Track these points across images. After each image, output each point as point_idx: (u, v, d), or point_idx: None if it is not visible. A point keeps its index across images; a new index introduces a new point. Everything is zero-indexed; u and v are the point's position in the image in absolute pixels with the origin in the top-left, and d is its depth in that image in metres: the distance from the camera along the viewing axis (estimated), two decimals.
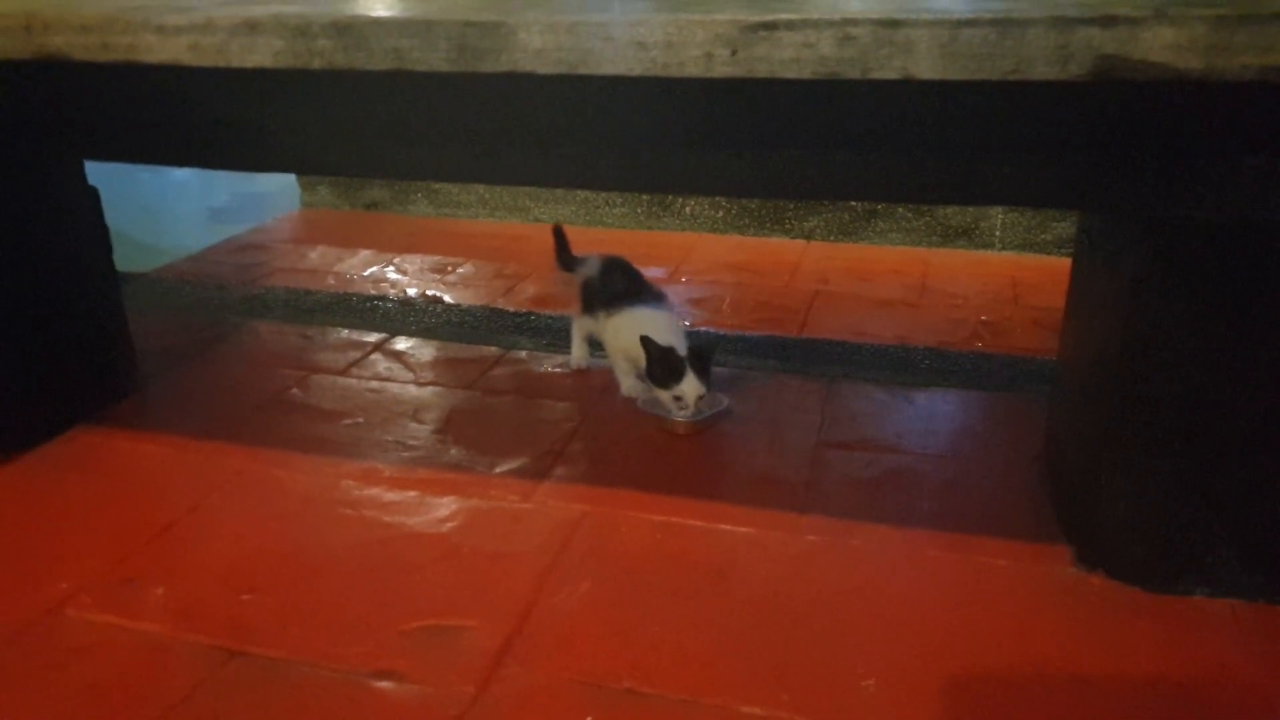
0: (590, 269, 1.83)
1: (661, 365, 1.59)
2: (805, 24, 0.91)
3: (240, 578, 1.25)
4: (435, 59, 1.01)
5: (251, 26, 1.04)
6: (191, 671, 1.09)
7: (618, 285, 1.77)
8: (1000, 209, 2.72)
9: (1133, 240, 1.12)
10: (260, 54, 1.05)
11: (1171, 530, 1.20)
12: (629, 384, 1.75)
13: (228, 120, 1.34)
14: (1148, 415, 1.17)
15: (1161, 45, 0.85)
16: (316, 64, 1.04)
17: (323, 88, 1.25)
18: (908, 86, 0.92)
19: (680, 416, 1.63)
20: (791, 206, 2.83)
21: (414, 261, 2.62)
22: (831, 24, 0.90)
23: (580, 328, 1.89)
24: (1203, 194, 1.03)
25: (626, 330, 1.67)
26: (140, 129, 1.41)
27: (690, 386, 1.59)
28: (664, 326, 1.64)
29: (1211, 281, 1.08)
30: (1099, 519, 1.26)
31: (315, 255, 2.68)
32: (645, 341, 1.58)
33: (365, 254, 2.69)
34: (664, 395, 1.62)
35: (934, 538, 1.34)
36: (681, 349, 1.60)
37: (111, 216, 1.69)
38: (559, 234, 1.92)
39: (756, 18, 0.92)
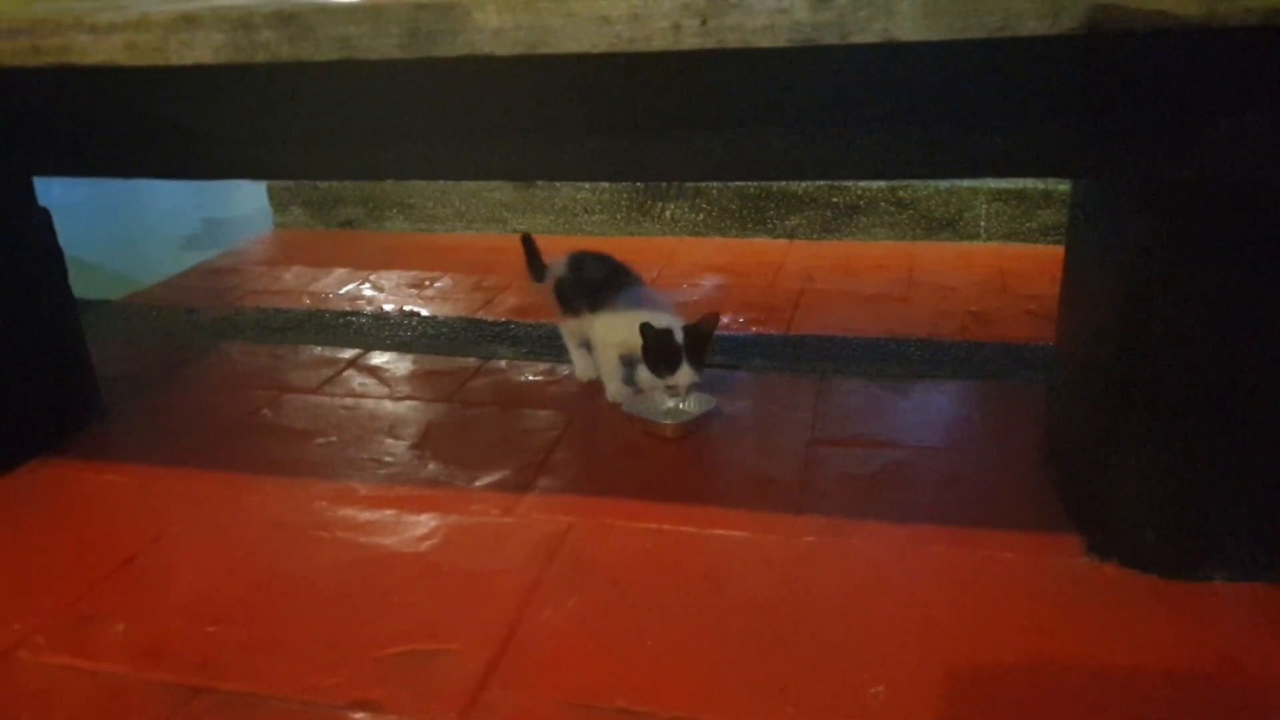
0: (558, 269, 1.75)
1: (659, 351, 1.53)
2: None
3: (206, 609, 1.18)
4: (386, 45, 0.95)
5: (189, 21, 0.98)
6: (153, 713, 1.01)
7: (595, 277, 1.69)
8: (984, 199, 2.68)
9: (1134, 209, 1.07)
10: (200, 50, 0.99)
11: (1186, 514, 1.14)
12: (614, 388, 1.68)
13: (178, 127, 1.28)
14: (1157, 394, 1.11)
15: None
16: (261, 57, 0.98)
17: (275, 87, 1.18)
18: (888, 52, 0.87)
19: (668, 409, 1.58)
20: (772, 206, 2.78)
21: (390, 277, 2.56)
22: None
23: (570, 335, 1.80)
24: (1206, 155, 0.97)
25: (625, 320, 1.58)
26: (89, 140, 1.35)
27: (683, 375, 1.53)
28: (658, 308, 1.58)
29: (1221, 248, 1.02)
30: (1109, 506, 1.20)
31: (289, 276, 2.62)
32: (644, 328, 1.51)
33: (340, 272, 2.63)
34: (657, 382, 1.56)
35: (937, 533, 1.28)
36: (677, 332, 1.53)
37: (83, 245, 1.63)
38: (528, 243, 1.85)
39: None
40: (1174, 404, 1.10)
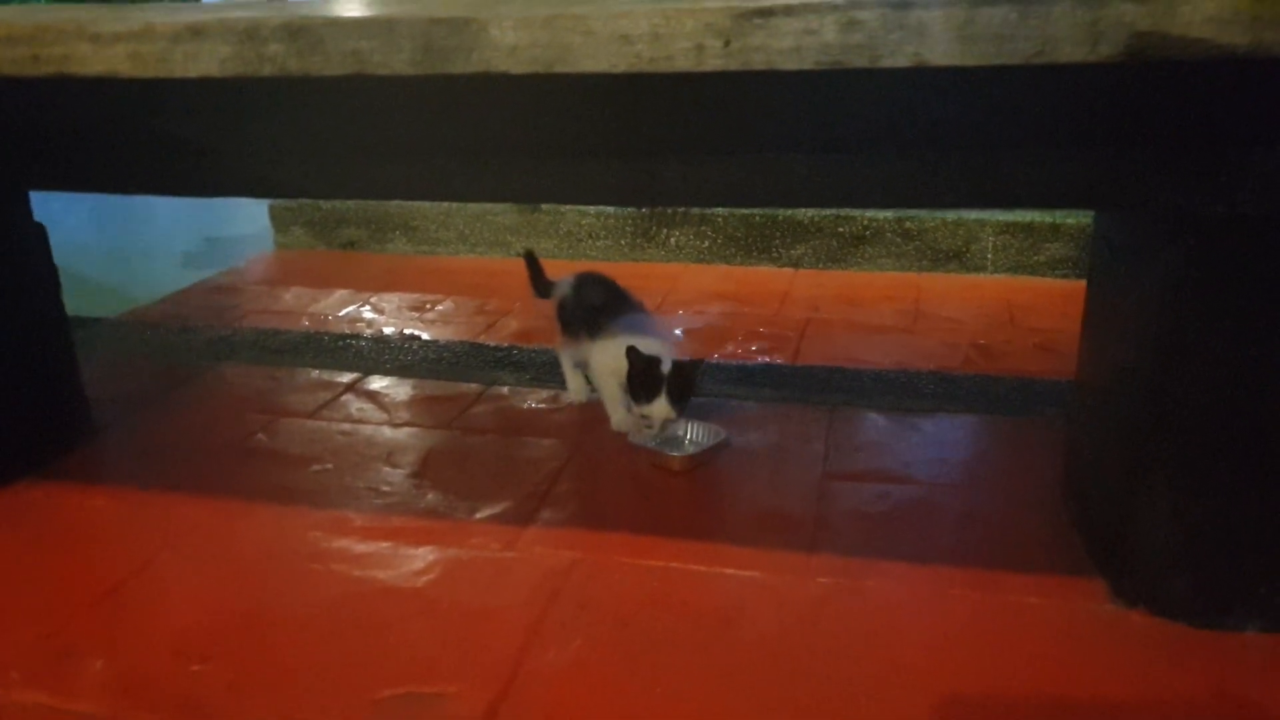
0: (563, 289, 1.72)
1: (642, 378, 1.48)
2: (806, 9, 0.82)
3: (192, 645, 1.13)
4: (398, 61, 0.91)
5: (195, 32, 0.95)
6: None
7: (597, 301, 1.65)
8: (991, 231, 2.65)
9: (1164, 241, 1.03)
10: (205, 62, 0.95)
11: (1218, 559, 1.10)
12: (619, 417, 1.63)
13: (180, 142, 1.25)
14: (1187, 433, 1.07)
15: (1203, 19, 0.77)
16: (268, 70, 0.94)
17: (280, 102, 1.15)
18: (917, 78, 0.84)
19: (647, 442, 1.53)
20: (778, 235, 2.76)
21: (391, 300, 2.52)
22: (835, 8, 0.81)
23: (567, 357, 1.77)
24: (1244, 186, 0.94)
25: (616, 348, 1.53)
26: (87, 155, 1.31)
27: (659, 408, 1.47)
28: (654, 336, 1.54)
29: (1257, 282, 0.99)
30: (1135, 550, 1.15)
31: (289, 296, 2.58)
32: (630, 351, 1.47)
33: (341, 294, 2.59)
34: (635, 411, 1.51)
35: (955, 575, 1.23)
36: (666, 363, 1.48)
37: (82, 260, 1.59)
38: (531, 260, 1.81)
39: (752, 4, 0.83)
40: (1205, 445, 1.06)
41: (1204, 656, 1.07)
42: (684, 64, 0.86)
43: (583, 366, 1.72)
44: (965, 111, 1.00)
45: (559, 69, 0.89)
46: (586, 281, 1.70)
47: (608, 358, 1.58)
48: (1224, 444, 1.05)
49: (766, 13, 0.83)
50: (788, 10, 0.83)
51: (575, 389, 1.77)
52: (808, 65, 0.84)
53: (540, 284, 1.81)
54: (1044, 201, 1.04)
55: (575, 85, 0.93)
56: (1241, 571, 1.09)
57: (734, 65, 0.85)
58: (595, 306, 1.64)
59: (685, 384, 1.49)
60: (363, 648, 1.12)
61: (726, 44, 0.85)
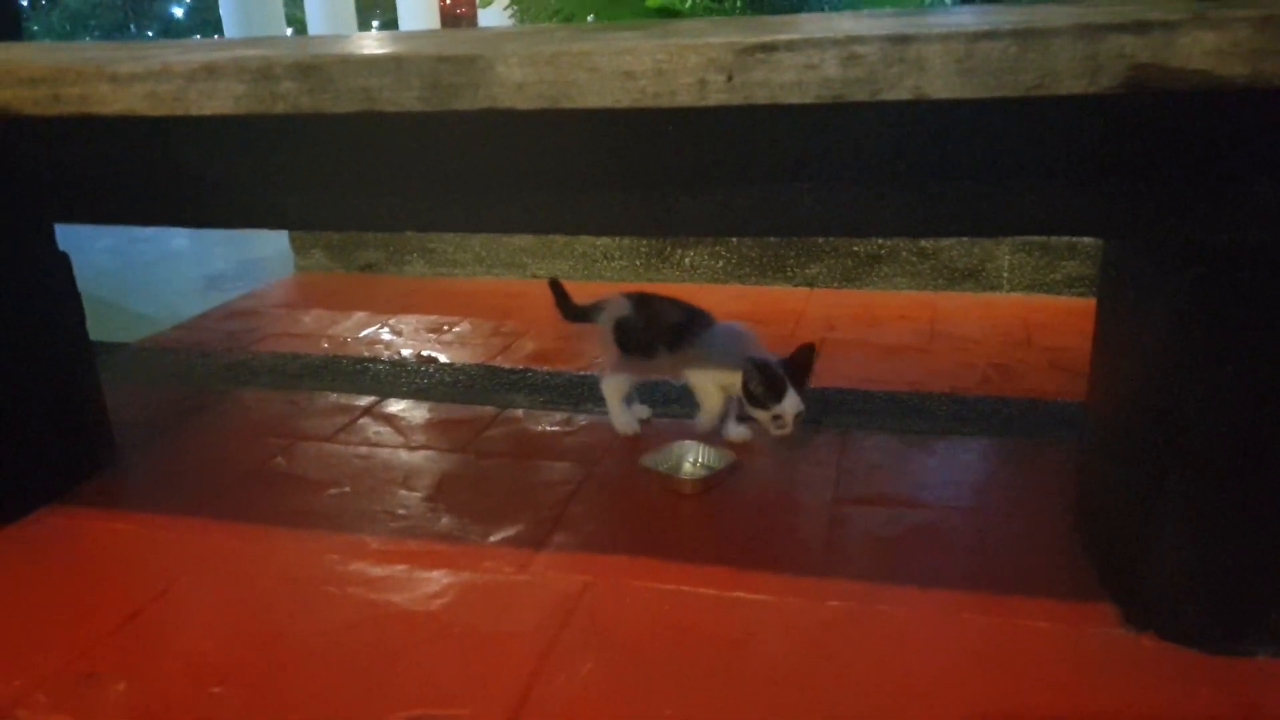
0: (620, 309, 1.68)
1: (766, 384, 1.52)
2: (807, 44, 0.83)
3: (211, 668, 1.14)
4: (407, 98, 0.93)
5: (210, 71, 0.97)
6: None
7: (673, 316, 1.65)
8: (1007, 250, 2.65)
9: (1172, 270, 1.03)
10: (220, 100, 0.98)
11: (1229, 584, 1.09)
12: (729, 428, 1.68)
13: (198, 175, 1.27)
14: (1198, 460, 1.06)
15: (1201, 51, 0.77)
16: (280, 108, 0.97)
17: (295, 135, 1.18)
18: (919, 109, 0.85)
19: (688, 464, 1.57)
20: (793, 254, 2.76)
21: (409, 322, 2.55)
22: (836, 42, 0.83)
23: (618, 384, 1.73)
24: (1249, 216, 0.94)
25: (719, 355, 1.58)
26: (108, 188, 1.34)
27: (790, 404, 1.52)
28: (747, 340, 1.59)
29: (1264, 310, 0.99)
30: (1146, 575, 1.15)
31: (308, 319, 2.61)
32: (748, 365, 1.52)
33: (359, 316, 2.62)
34: (762, 416, 1.54)
35: (967, 599, 1.23)
36: (776, 365, 1.53)
37: (104, 284, 1.62)
38: (556, 286, 1.82)
39: (754, 39, 0.84)
40: (1216, 470, 1.06)
41: (1215, 682, 1.06)
42: (687, 99, 0.88)
43: (629, 395, 1.73)
44: (969, 141, 1.00)
45: (564, 104, 0.91)
46: (648, 300, 1.68)
47: (711, 369, 1.61)
48: (1234, 470, 1.05)
49: (768, 48, 0.85)
50: (789, 45, 0.84)
51: (625, 422, 1.74)
52: (809, 99, 0.85)
53: (569, 307, 1.79)
54: (1048, 230, 1.04)
55: (583, 118, 0.95)
56: (1252, 597, 1.08)
57: (737, 99, 0.87)
58: (673, 322, 1.64)
59: (805, 372, 1.55)
60: (377, 671, 1.13)
61: (729, 79, 0.86)
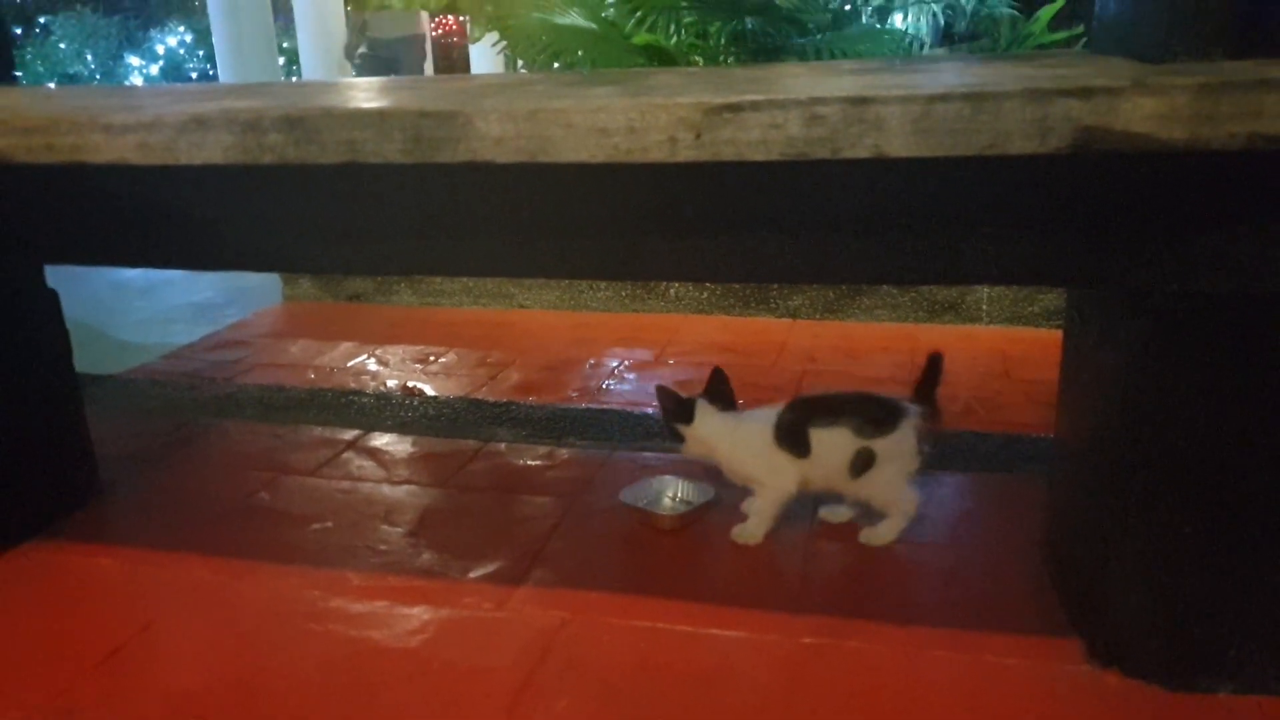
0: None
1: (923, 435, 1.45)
2: (771, 104, 0.87)
3: (191, 705, 1.16)
4: (390, 150, 0.97)
5: (200, 123, 1.01)
6: None
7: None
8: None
9: (1127, 316, 1.07)
10: (209, 150, 1.01)
11: (1190, 622, 1.12)
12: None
13: (187, 219, 1.30)
14: (1155, 498, 1.10)
15: (1143, 116, 0.81)
16: (268, 159, 1.00)
17: (283, 182, 1.21)
18: (882, 165, 0.88)
19: (667, 499, 1.57)
20: (775, 285, 2.80)
21: (395, 352, 2.57)
22: (799, 103, 0.87)
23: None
24: (1198, 266, 0.98)
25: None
26: (98, 231, 1.37)
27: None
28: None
29: (1218, 355, 1.02)
30: (1110, 611, 1.18)
31: (295, 349, 2.63)
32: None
33: (346, 346, 2.64)
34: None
35: (936, 636, 1.25)
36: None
37: (96, 314, 1.64)
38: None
39: (720, 99, 0.88)
40: (1173, 510, 1.09)
41: (1175, 719, 1.09)
42: (658, 155, 0.91)
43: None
44: (929, 195, 1.04)
45: (542, 159, 0.94)
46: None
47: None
48: (1190, 510, 1.08)
49: (735, 108, 0.88)
50: (754, 106, 0.88)
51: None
52: (774, 156, 0.89)
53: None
54: (1008, 280, 1.08)
55: (560, 170, 0.98)
56: (1212, 634, 1.11)
57: (705, 156, 0.91)
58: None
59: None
60: (356, 708, 1.15)
61: (698, 136, 0.90)
